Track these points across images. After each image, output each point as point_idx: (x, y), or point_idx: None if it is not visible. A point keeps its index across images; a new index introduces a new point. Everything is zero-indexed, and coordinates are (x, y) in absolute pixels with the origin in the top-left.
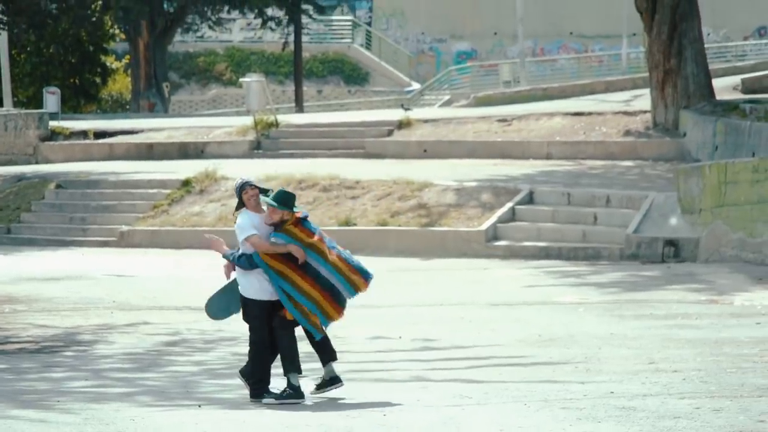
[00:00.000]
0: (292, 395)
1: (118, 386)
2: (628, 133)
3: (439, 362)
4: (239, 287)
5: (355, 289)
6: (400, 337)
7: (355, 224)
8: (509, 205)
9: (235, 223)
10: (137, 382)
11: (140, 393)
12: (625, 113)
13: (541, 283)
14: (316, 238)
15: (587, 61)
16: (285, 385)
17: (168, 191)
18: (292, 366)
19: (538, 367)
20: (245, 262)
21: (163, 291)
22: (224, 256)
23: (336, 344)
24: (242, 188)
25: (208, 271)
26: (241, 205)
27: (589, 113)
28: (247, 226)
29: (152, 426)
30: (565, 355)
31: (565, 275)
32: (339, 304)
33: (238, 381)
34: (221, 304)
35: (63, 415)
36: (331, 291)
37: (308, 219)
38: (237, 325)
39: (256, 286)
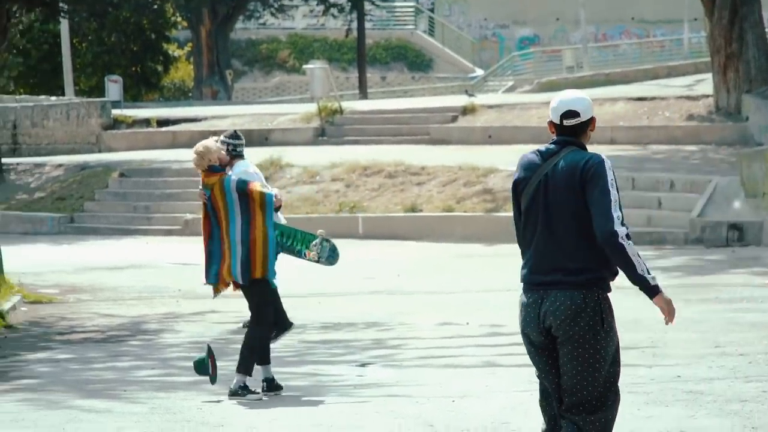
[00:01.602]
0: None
1: (185, 375)
2: (690, 117)
3: (506, 347)
4: None
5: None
6: (468, 323)
7: (420, 210)
8: None
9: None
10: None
11: (207, 382)
12: (688, 98)
13: None
14: None
15: (649, 47)
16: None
17: None
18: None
19: None
20: None
21: None
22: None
23: (404, 331)
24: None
25: None
26: None
27: (652, 98)
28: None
29: (220, 415)
30: (632, 340)
31: None
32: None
33: (306, 369)
34: None
35: (129, 405)
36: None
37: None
38: (305, 313)
39: None
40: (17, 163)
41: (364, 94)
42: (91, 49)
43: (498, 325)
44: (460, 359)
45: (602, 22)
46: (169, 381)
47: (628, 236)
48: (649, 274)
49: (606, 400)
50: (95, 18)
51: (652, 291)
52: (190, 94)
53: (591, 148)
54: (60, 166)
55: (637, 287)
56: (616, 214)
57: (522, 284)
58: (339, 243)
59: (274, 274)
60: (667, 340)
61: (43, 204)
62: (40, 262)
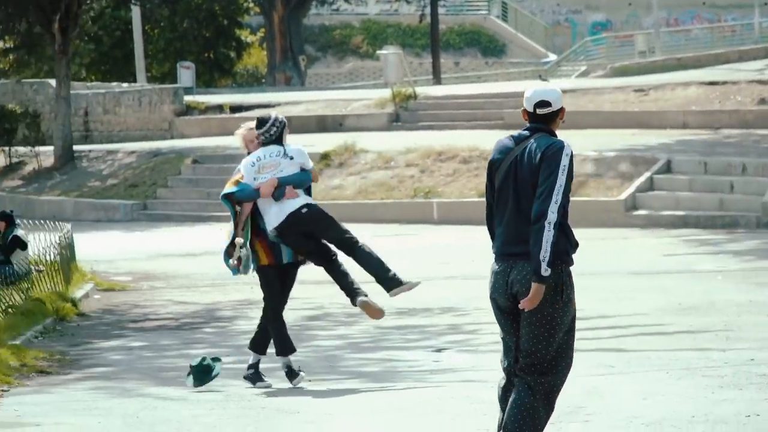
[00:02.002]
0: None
1: (261, 362)
2: (762, 101)
3: (581, 332)
4: None
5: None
6: None
7: None
8: (647, 174)
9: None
10: (280, 358)
11: (280, 368)
12: (759, 82)
13: (681, 251)
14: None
15: (720, 31)
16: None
17: None
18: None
19: (679, 336)
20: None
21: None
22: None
23: (479, 316)
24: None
25: None
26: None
27: (724, 82)
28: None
29: (294, 401)
30: (706, 323)
31: (703, 243)
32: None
33: (381, 355)
34: None
35: (204, 392)
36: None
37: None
38: (380, 298)
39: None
40: (89, 150)
41: (437, 80)
42: (163, 36)
43: None
44: None
45: (674, 7)
46: (243, 368)
47: (555, 225)
48: (547, 264)
49: (557, 365)
50: (167, 4)
51: (539, 278)
52: (263, 80)
53: (662, 132)
54: (132, 152)
55: (533, 266)
56: (555, 198)
57: (495, 255)
58: (413, 228)
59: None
60: (741, 324)
61: (115, 191)
62: (113, 250)
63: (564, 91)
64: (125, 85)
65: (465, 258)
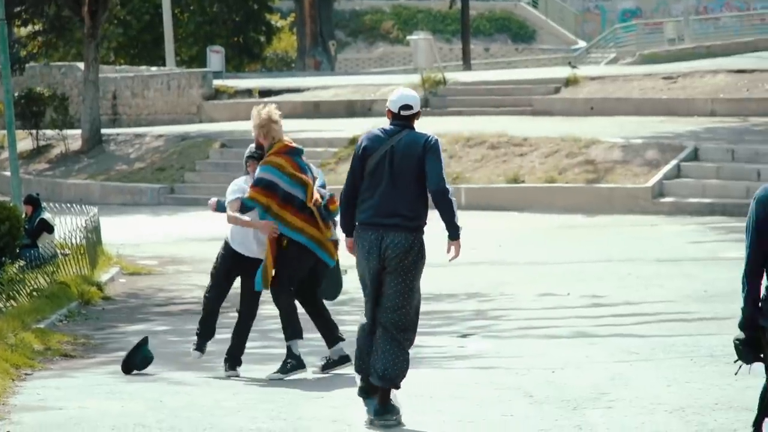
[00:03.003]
0: (296, 366)
1: (283, 347)
2: None
3: (606, 318)
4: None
5: (331, 258)
6: (569, 294)
7: (523, 181)
8: (674, 161)
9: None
10: (303, 343)
11: (306, 354)
12: None
13: (707, 238)
14: (304, 177)
15: (749, 19)
16: (286, 356)
17: (335, 150)
18: (294, 332)
19: (704, 323)
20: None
21: None
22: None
23: (504, 301)
24: (246, 161)
25: None
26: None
27: (752, 70)
28: (234, 191)
29: (318, 387)
30: (730, 310)
31: (730, 231)
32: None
33: None
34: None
35: (223, 378)
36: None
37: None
38: None
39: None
40: (117, 134)
41: (467, 66)
42: (192, 20)
43: (598, 296)
44: (560, 330)
45: None
46: (267, 353)
47: (452, 194)
48: (458, 222)
49: (414, 322)
50: None
51: (456, 235)
52: (293, 65)
53: (692, 119)
54: (160, 136)
55: (450, 230)
56: (444, 177)
57: (361, 223)
58: None
59: None
60: None
61: (143, 175)
62: (140, 234)
63: (593, 78)
64: (154, 68)
65: (491, 243)
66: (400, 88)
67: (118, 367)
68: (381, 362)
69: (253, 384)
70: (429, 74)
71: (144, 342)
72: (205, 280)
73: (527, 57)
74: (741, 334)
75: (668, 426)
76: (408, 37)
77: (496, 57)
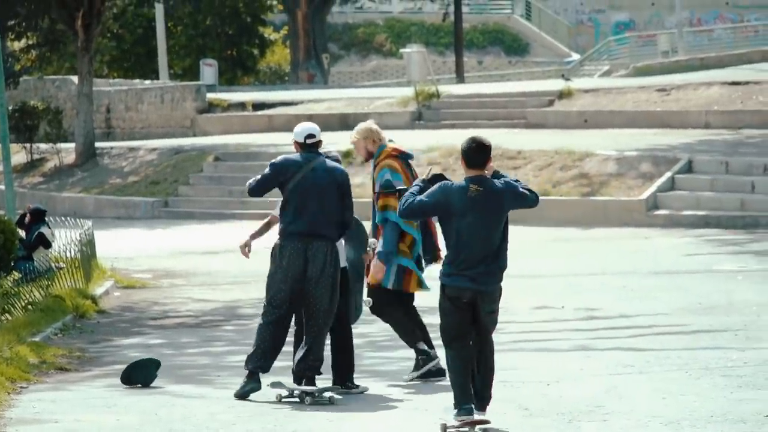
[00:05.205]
0: (426, 360)
1: (280, 360)
2: None
3: (601, 331)
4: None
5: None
6: (563, 307)
7: None
8: (668, 174)
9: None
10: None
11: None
12: None
13: (701, 251)
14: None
15: (743, 31)
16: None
17: None
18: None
19: (699, 335)
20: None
21: None
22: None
23: (499, 315)
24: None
25: None
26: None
27: (746, 82)
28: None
29: (315, 401)
30: (725, 323)
31: (724, 243)
32: None
33: (400, 353)
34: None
35: (223, 390)
36: None
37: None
38: None
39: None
40: (111, 147)
41: (460, 78)
42: (185, 32)
43: (593, 309)
44: (555, 343)
45: (697, 7)
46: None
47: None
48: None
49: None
50: (190, 1)
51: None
52: (287, 78)
53: (685, 132)
54: (154, 150)
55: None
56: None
57: (287, 233)
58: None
59: None
60: (760, 324)
61: (136, 188)
62: (134, 247)
63: (586, 91)
64: (147, 82)
65: None
66: (303, 123)
67: (114, 380)
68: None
69: (250, 397)
70: (422, 87)
71: (156, 364)
72: (200, 293)
73: (521, 70)
74: None
75: None
76: (401, 50)
77: (489, 70)
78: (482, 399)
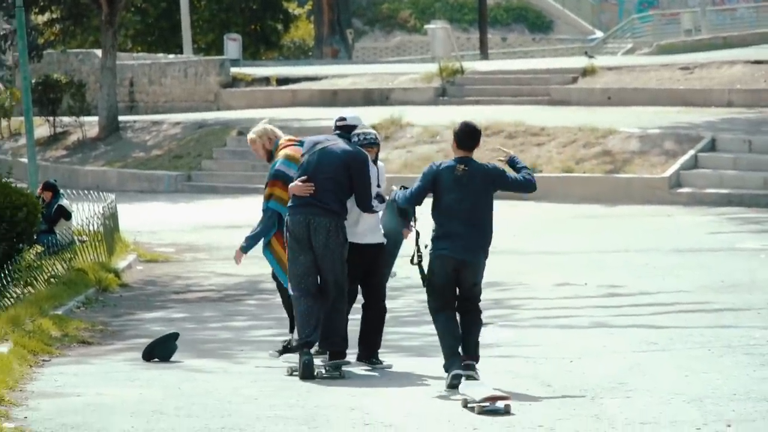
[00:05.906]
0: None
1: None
2: None
3: (624, 308)
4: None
5: None
6: (586, 284)
7: (540, 171)
8: (692, 152)
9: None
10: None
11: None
12: None
13: (724, 229)
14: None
15: (766, 10)
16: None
17: None
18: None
19: (722, 313)
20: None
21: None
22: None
23: (522, 291)
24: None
25: None
26: None
27: None
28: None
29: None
30: (748, 301)
31: (747, 222)
32: None
33: (424, 329)
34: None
35: (245, 365)
36: None
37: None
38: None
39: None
40: (134, 121)
41: (484, 55)
42: (209, 7)
43: (616, 286)
44: (577, 319)
45: None
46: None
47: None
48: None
49: (345, 287)
50: None
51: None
52: (310, 53)
53: (708, 110)
54: (177, 124)
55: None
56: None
57: (293, 205)
58: None
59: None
60: None
61: (160, 162)
62: (157, 221)
63: (610, 68)
64: (171, 56)
65: (507, 233)
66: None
67: (136, 354)
68: (335, 329)
69: (271, 372)
70: (446, 63)
71: (175, 337)
72: (223, 267)
73: (544, 47)
74: None
75: (686, 416)
76: (425, 26)
77: (513, 47)
78: (467, 349)
